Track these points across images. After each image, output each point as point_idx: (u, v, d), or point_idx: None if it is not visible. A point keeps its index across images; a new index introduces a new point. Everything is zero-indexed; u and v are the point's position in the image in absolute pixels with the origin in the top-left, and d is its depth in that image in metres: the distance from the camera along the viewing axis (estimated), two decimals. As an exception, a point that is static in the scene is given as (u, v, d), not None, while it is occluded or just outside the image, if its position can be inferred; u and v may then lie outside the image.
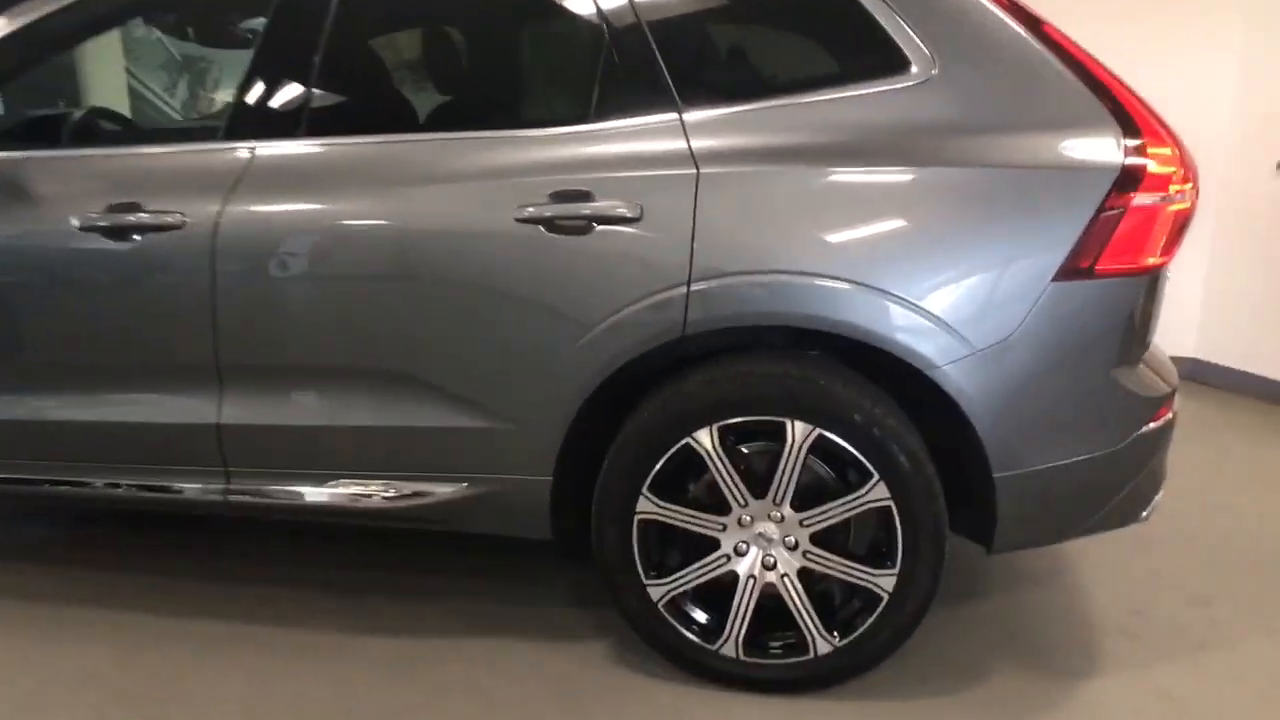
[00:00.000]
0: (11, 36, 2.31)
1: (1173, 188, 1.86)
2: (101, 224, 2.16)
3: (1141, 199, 1.84)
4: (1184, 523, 2.91)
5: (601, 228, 1.94)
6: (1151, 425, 2.00)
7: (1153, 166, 1.85)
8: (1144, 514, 2.11)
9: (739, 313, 1.91)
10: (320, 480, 2.21)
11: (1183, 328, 4.51)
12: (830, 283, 1.86)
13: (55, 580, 2.60)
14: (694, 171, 1.92)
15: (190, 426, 2.23)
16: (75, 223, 2.17)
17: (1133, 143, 1.85)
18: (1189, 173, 1.91)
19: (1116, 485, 2.01)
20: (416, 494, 2.18)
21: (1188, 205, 1.91)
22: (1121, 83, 1.94)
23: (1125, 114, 1.89)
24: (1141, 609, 2.44)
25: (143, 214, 2.14)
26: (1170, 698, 2.11)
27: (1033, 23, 1.97)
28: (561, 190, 1.96)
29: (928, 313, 1.85)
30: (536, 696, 2.11)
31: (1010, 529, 1.99)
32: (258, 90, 2.21)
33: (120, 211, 2.15)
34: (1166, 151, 1.87)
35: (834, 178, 1.88)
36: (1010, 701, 2.10)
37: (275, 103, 2.20)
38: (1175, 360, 4.46)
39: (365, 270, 2.07)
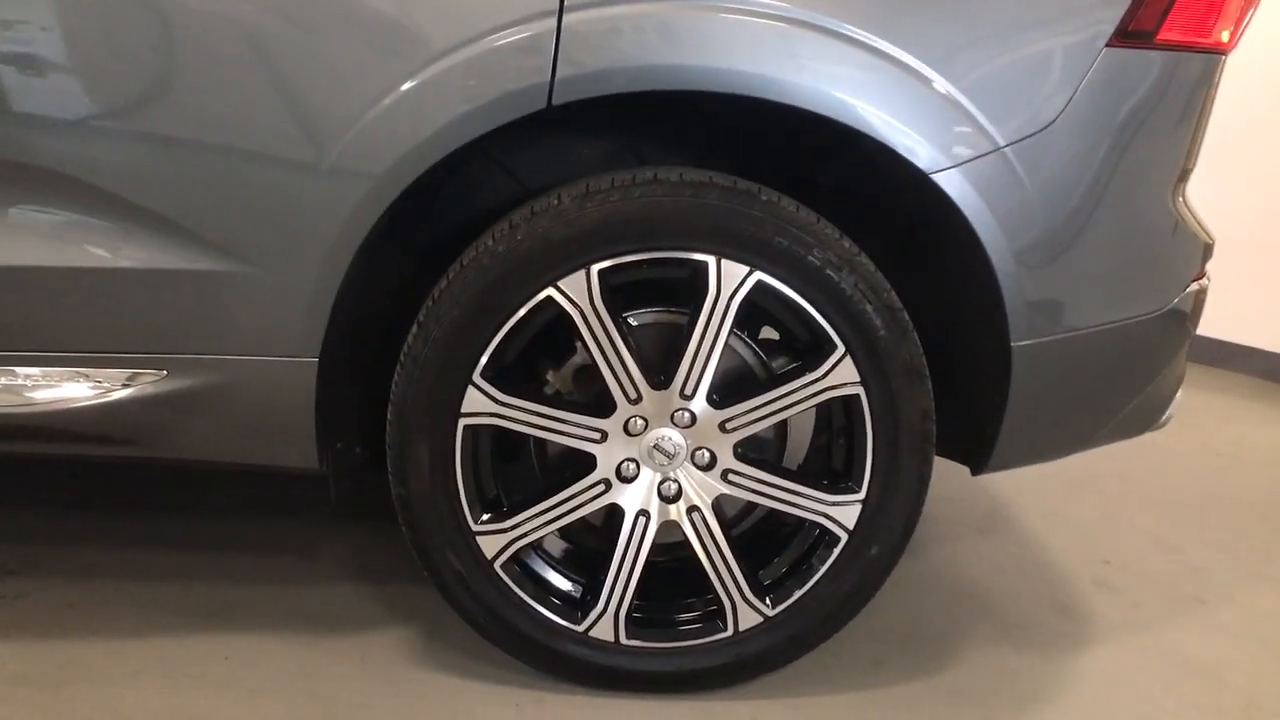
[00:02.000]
0: None
1: (1249, -70, 1.30)
2: None
3: (1218, -68, 1.26)
4: (1115, 463, 2.46)
5: (409, -88, 1.14)
6: (1194, 288, 1.44)
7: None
8: (1162, 420, 1.56)
9: (643, 67, 1.16)
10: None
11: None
12: (797, 30, 1.16)
13: None
14: None
15: None
16: None
17: None
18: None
19: (1152, 368, 1.44)
20: (78, 393, 1.26)
21: (1260, -33, 1.36)
22: None
23: None
24: (1110, 558, 1.92)
25: None
26: (1191, 662, 1.57)
27: None
28: None
29: (934, 82, 1.18)
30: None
31: (1017, 434, 1.35)
32: None
33: None
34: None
35: None
36: (1001, 683, 1.48)
37: None
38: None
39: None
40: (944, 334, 1.38)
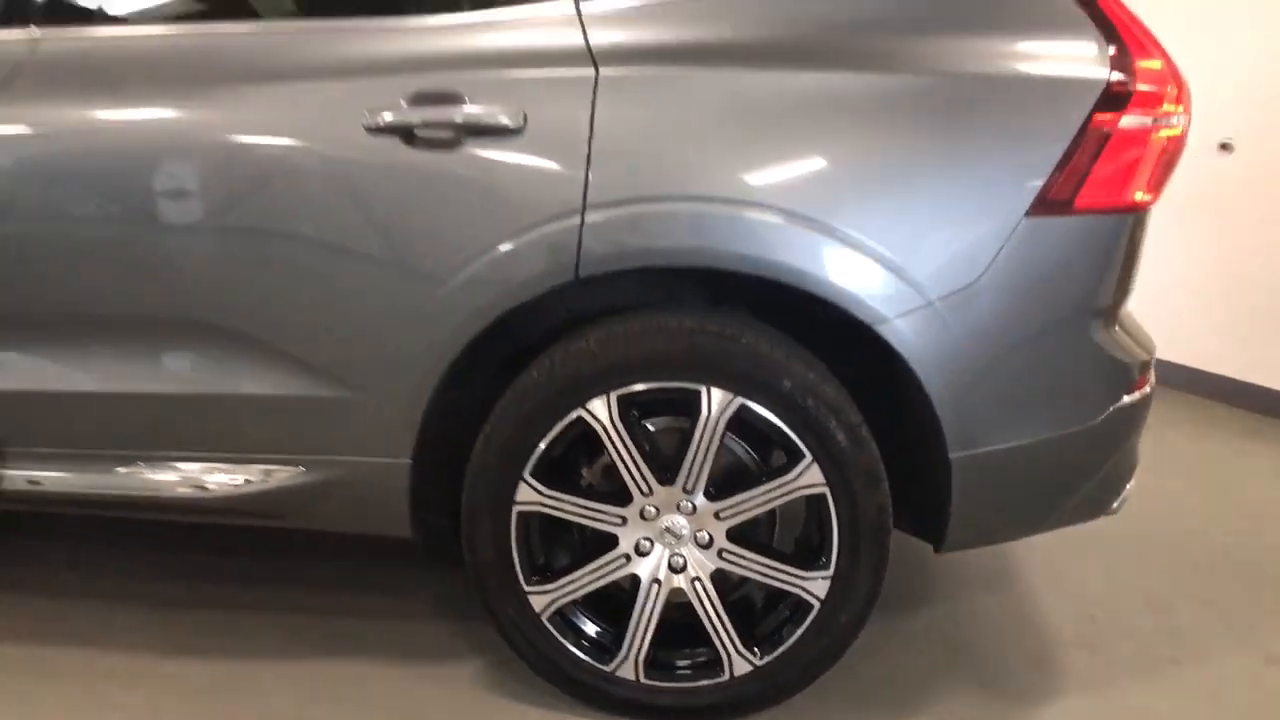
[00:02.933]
0: None
1: (1168, 107, 1.56)
2: None
3: (1130, 120, 1.53)
4: (1133, 521, 2.65)
5: (474, 140, 1.54)
6: (1130, 398, 1.69)
7: (1145, 79, 1.54)
8: (1114, 505, 1.80)
9: (647, 249, 1.52)
10: (115, 464, 1.74)
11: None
12: (756, 213, 1.50)
13: None
14: (592, 72, 1.53)
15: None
16: None
17: (1118, 54, 1.54)
18: (1182, 92, 1.61)
19: (1090, 469, 1.69)
20: (240, 482, 1.72)
21: (1180, 132, 1.60)
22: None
23: (1107, 21, 1.57)
24: (1097, 616, 2.15)
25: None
26: (1145, 718, 1.80)
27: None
28: (425, 92, 1.55)
29: (876, 252, 1.50)
30: (387, 733, 1.70)
31: (965, 523, 1.65)
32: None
33: None
34: (1156, 66, 1.56)
35: (762, 83, 1.52)
36: (961, 728, 1.76)
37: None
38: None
39: (170, 191, 1.61)
40: (905, 440, 1.68)
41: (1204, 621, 2.14)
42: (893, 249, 1.50)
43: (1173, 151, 1.60)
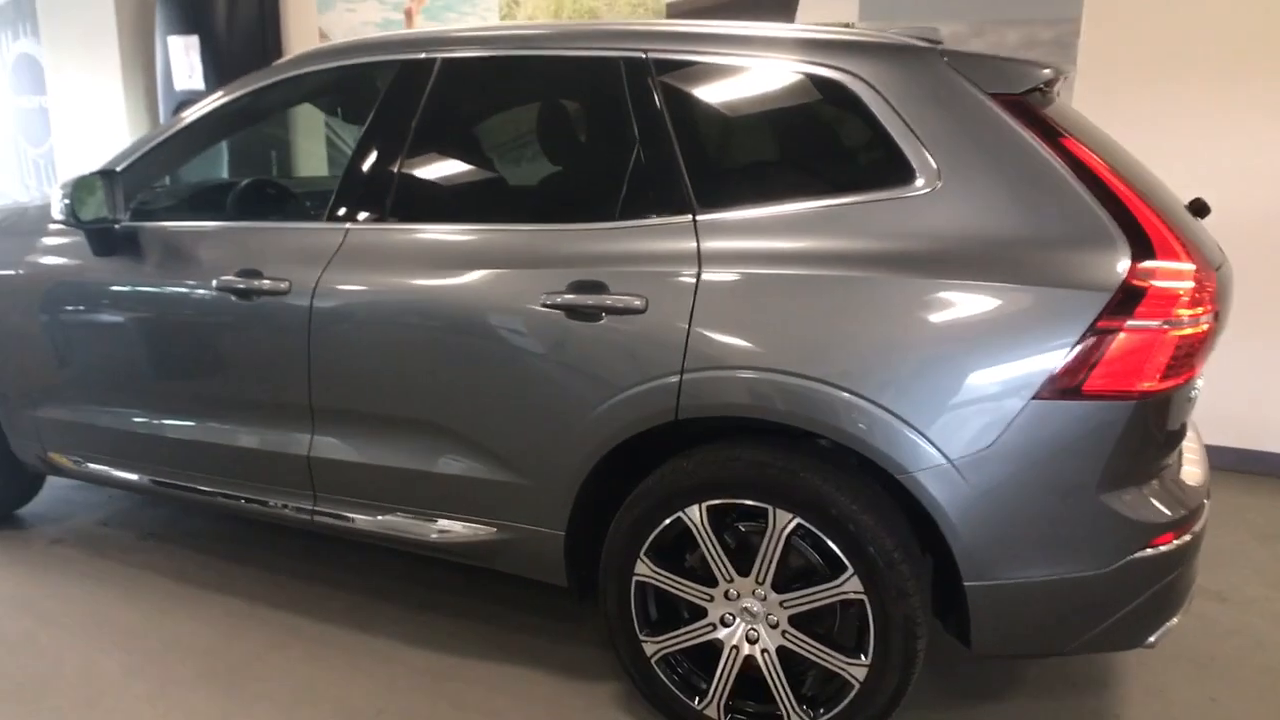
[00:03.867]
0: (196, 122, 2.85)
1: (1181, 311, 1.81)
2: (232, 285, 2.62)
3: (1139, 321, 1.80)
4: (1255, 650, 2.68)
5: (612, 316, 2.15)
6: (1151, 551, 1.93)
7: (1159, 287, 1.81)
8: (1151, 639, 2.02)
9: (724, 404, 2.05)
10: (381, 511, 2.57)
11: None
12: (807, 383, 1.96)
13: (191, 565, 3.16)
14: (696, 270, 2.08)
15: (288, 456, 2.65)
16: (214, 283, 2.65)
17: (1143, 264, 1.81)
18: (1206, 294, 1.84)
19: (1106, 608, 1.95)
20: (452, 532, 2.48)
21: (1201, 330, 1.84)
22: (1146, 197, 1.90)
23: (1140, 231, 1.85)
24: (1176, 736, 2.31)
25: (263, 280, 2.59)
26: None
27: (1051, 134, 1.96)
28: (580, 281, 2.18)
29: (902, 419, 1.90)
30: (538, 727, 2.37)
31: (985, 636, 1.99)
32: (354, 177, 2.59)
33: (247, 276, 2.61)
34: (1182, 269, 1.82)
35: (823, 283, 1.98)
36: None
37: (365, 190, 2.57)
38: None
39: (419, 336, 2.38)
40: (937, 561, 2.05)
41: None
42: (915, 417, 1.90)
43: (1192, 346, 1.84)
